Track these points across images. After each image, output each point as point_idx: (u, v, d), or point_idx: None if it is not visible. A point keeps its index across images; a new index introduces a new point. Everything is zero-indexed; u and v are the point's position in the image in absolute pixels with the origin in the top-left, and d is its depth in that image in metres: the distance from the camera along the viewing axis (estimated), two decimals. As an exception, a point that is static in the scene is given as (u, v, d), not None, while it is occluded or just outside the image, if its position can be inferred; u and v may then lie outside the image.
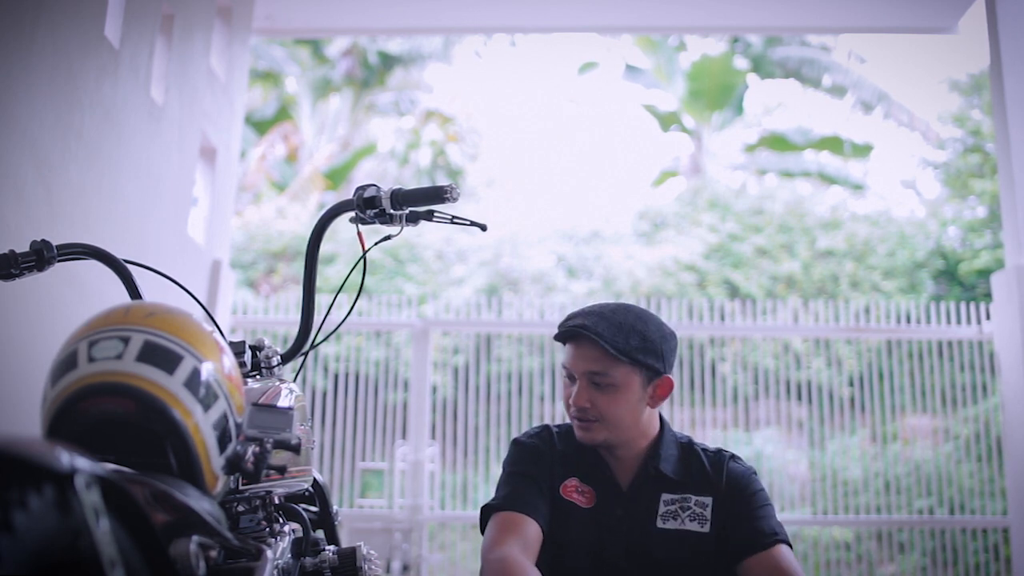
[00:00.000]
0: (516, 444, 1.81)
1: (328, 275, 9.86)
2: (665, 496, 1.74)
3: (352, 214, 1.57)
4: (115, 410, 1.02)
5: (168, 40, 4.66)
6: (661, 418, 1.81)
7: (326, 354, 7.15)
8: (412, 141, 14.40)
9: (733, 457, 1.81)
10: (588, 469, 1.77)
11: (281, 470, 1.35)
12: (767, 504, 1.76)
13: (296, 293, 8.88)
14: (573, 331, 1.70)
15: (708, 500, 1.74)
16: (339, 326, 1.86)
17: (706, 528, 1.71)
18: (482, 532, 1.70)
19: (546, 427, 1.83)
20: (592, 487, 1.76)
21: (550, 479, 1.74)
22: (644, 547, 1.72)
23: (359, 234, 1.62)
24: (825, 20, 6.78)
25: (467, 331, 6.63)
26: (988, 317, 5.95)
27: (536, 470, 1.74)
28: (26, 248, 1.59)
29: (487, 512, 1.70)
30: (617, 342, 1.67)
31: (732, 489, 1.74)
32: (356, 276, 1.71)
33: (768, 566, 1.66)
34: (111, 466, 0.98)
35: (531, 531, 1.64)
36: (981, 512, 6.17)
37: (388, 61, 14.08)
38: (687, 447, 1.81)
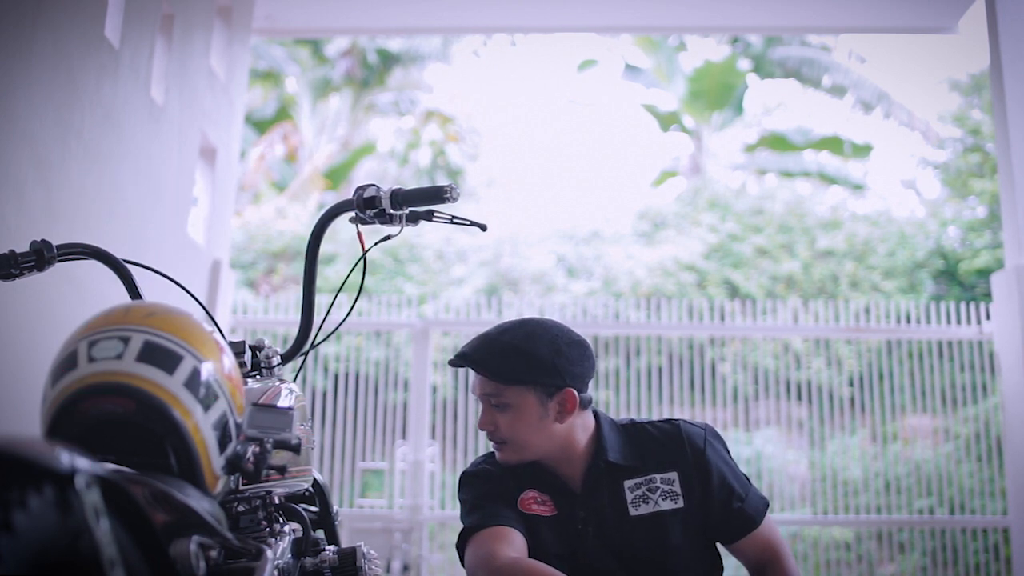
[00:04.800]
0: (468, 475, 1.80)
1: (328, 275, 9.85)
2: (628, 483, 1.73)
3: (352, 214, 1.57)
4: (115, 410, 1.02)
5: (168, 40, 4.66)
6: (596, 415, 1.80)
7: (326, 354, 7.16)
8: (412, 141, 14.40)
9: (686, 421, 1.80)
10: (539, 479, 1.76)
11: (281, 470, 1.35)
12: (737, 474, 1.77)
13: (296, 293, 8.88)
14: (457, 361, 1.75)
15: (673, 475, 1.73)
16: (339, 326, 1.86)
17: (679, 503, 1.71)
18: (461, 559, 1.69)
19: (491, 453, 1.83)
20: (550, 495, 1.75)
21: (511, 496, 1.74)
22: (622, 540, 1.71)
23: (359, 234, 1.62)
24: (825, 20, 6.78)
25: (467, 331, 6.63)
26: (988, 317, 5.95)
27: (497, 488, 1.74)
28: (26, 248, 1.59)
29: (465, 536, 1.68)
30: (497, 367, 1.70)
31: (698, 457, 1.74)
32: (356, 276, 1.71)
33: (759, 542, 1.75)
34: (111, 466, 0.98)
35: (517, 541, 1.63)
36: (981, 512, 6.17)
37: (388, 61, 14.07)
38: (630, 428, 1.80)
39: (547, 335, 1.72)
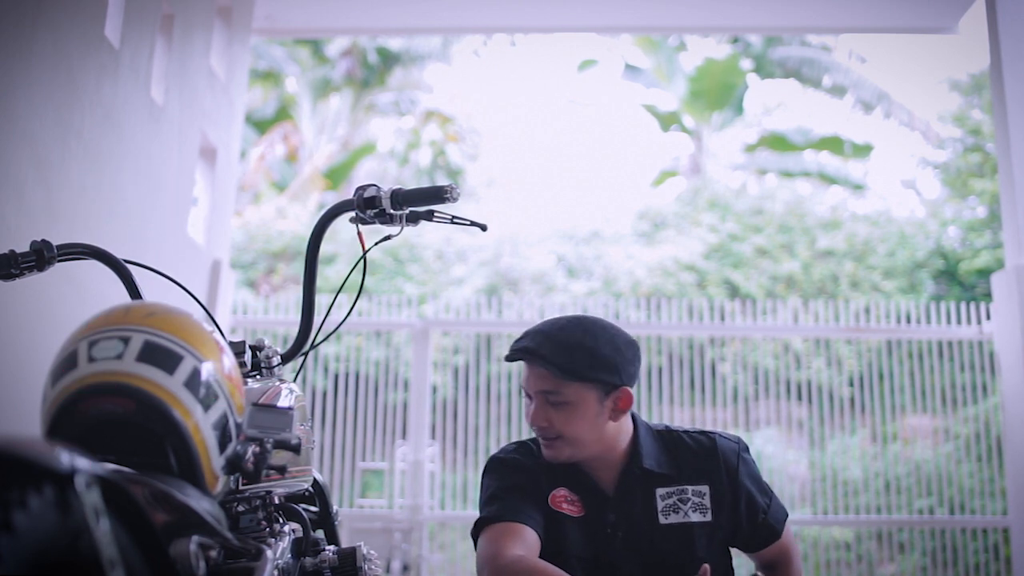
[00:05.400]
0: (496, 461, 1.78)
1: (328, 275, 9.85)
2: (660, 491, 1.73)
3: (352, 214, 1.57)
4: (115, 410, 1.02)
5: (168, 40, 4.66)
6: (634, 418, 1.79)
7: (326, 354, 7.16)
8: (412, 141, 14.40)
9: (720, 435, 1.81)
10: (572, 479, 1.75)
11: (281, 470, 1.35)
12: (766, 489, 1.80)
13: (296, 293, 8.89)
14: (518, 355, 1.72)
15: (704, 488, 1.74)
16: (339, 326, 1.86)
17: (708, 516, 1.72)
18: (475, 546, 1.69)
19: (522, 442, 1.81)
20: (580, 495, 1.74)
21: (539, 491, 1.72)
22: (650, 547, 1.71)
23: (359, 234, 1.62)
24: (825, 20, 6.78)
25: (467, 331, 6.63)
26: (988, 317, 5.95)
27: (524, 481, 1.72)
28: (26, 248, 1.59)
29: (480, 526, 1.68)
30: (562, 362, 1.67)
31: (732, 475, 1.75)
32: (356, 276, 1.71)
33: (776, 548, 1.80)
34: (111, 466, 0.98)
35: (530, 538, 1.62)
36: (981, 512, 6.17)
37: (388, 60, 14.07)
38: (666, 435, 1.80)
39: (606, 333, 1.72)
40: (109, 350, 1.04)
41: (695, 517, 1.72)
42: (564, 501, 1.73)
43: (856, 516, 6.26)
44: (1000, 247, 8.82)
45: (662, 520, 1.71)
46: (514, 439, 6.30)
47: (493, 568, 1.57)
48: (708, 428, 1.86)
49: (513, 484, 1.71)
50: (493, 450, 6.51)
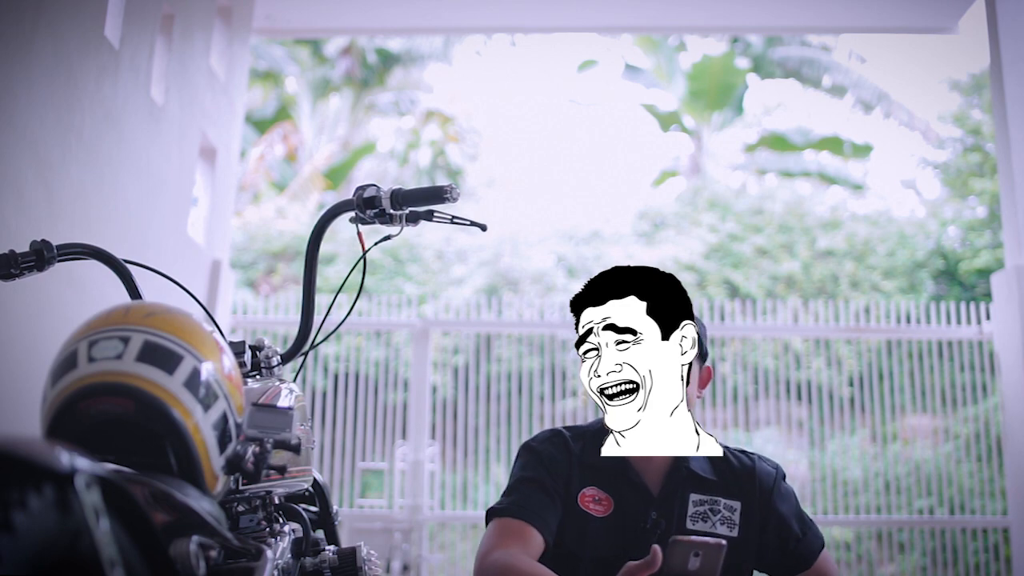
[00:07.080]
0: (528, 449, 1.75)
1: (328, 275, 9.85)
2: (694, 496, 1.71)
3: (352, 214, 1.57)
4: (115, 410, 1.02)
5: (168, 40, 4.66)
6: None
7: (326, 354, 7.16)
8: (412, 141, 14.40)
9: (760, 458, 1.79)
10: (612, 476, 1.72)
11: (281, 470, 1.35)
12: (799, 514, 1.77)
13: (296, 293, 8.88)
14: None
15: (737, 504, 1.72)
16: (339, 326, 1.86)
17: (735, 532, 1.70)
18: None
19: (558, 432, 1.77)
20: (613, 495, 1.71)
21: (565, 488, 1.70)
22: None
23: (359, 234, 1.62)
24: (825, 20, 6.78)
25: (467, 331, 6.63)
26: (988, 317, 5.95)
27: (550, 478, 1.69)
28: (26, 248, 1.58)
29: (489, 516, 1.66)
30: None
31: (765, 498, 1.73)
32: (356, 276, 1.71)
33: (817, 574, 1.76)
34: (111, 466, 0.98)
35: (533, 540, 1.60)
36: (981, 512, 6.17)
37: (388, 61, 14.07)
38: None
39: None
40: (109, 350, 1.04)
41: (721, 530, 1.69)
42: (591, 501, 1.70)
43: (856, 516, 6.26)
44: (1000, 247, 8.82)
45: (689, 524, 1.69)
46: (514, 439, 6.33)
47: (482, 563, 1.56)
48: (742, 447, 1.84)
49: (534, 477, 1.69)
50: (493, 450, 6.53)
